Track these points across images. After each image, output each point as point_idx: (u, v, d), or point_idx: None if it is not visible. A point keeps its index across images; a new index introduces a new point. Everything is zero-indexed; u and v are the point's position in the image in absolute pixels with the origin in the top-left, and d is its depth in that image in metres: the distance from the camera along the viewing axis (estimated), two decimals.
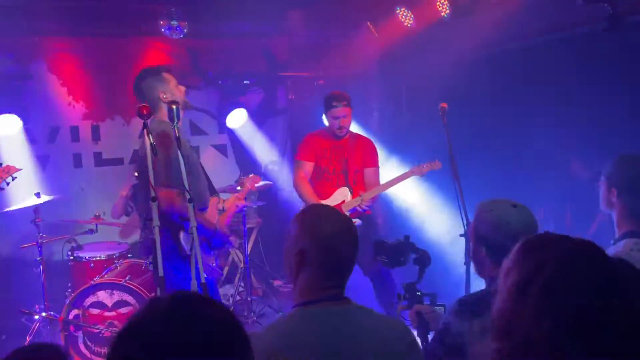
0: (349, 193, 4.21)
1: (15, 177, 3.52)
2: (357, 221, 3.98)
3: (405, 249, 2.20)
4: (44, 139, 5.32)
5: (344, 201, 4.18)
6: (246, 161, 6.04)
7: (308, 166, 4.24)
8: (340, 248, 1.61)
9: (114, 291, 3.78)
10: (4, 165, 3.45)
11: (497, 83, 4.54)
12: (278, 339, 1.52)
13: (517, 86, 4.47)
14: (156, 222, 2.41)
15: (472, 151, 4.37)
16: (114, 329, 3.76)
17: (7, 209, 4.24)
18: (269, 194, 5.78)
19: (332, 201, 4.15)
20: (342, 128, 4.12)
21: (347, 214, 3.97)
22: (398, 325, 1.70)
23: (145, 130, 2.63)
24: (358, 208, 4.11)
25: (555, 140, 4.17)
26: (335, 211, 1.74)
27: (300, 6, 5.60)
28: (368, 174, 4.28)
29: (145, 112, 2.65)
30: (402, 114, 5.79)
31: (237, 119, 5.79)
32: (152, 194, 2.46)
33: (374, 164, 4.32)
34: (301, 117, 6.04)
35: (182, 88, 3.11)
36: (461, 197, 3.30)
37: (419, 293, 2.14)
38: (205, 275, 2.56)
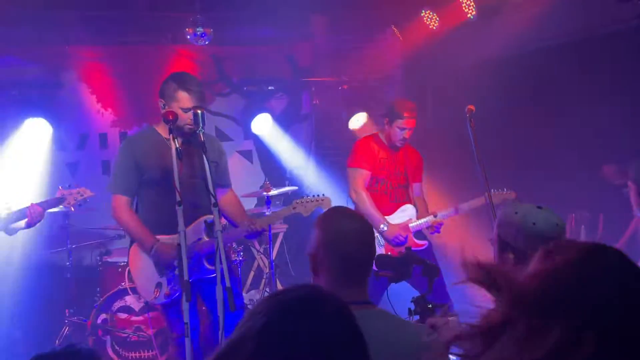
0: (415, 211, 3.88)
1: (87, 201, 3.62)
2: (424, 243, 3.81)
3: (408, 261, 2.17)
4: (73, 145, 5.44)
5: (410, 220, 3.83)
6: (271, 167, 6.06)
7: (366, 175, 3.85)
8: (357, 251, 1.60)
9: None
10: (80, 188, 3.56)
11: (524, 84, 4.46)
12: None
13: (545, 87, 4.39)
14: (182, 227, 2.43)
15: (500, 155, 4.29)
16: (142, 333, 3.80)
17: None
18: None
19: (395, 218, 3.83)
20: (405, 140, 3.82)
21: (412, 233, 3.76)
22: (421, 330, 1.67)
23: (171, 135, 2.65)
24: (427, 229, 3.80)
25: (587, 143, 4.07)
26: (354, 214, 1.73)
27: (323, 11, 5.62)
28: (416, 189, 4.00)
29: (171, 117, 2.69)
30: (427, 117, 5.74)
31: (262, 125, 5.82)
32: (178, 198, 2.49)
33: (421, 178, 4.04)
34: (326, 122, 6.04)
35: (186, 115, 2.88)
36: (491, 202, 3.23)
37: (430, 306, 2.09)
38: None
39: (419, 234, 3.84)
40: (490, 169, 3.54)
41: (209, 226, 2.80)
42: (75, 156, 5.43)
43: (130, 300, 3.83)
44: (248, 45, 5.84)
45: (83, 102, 5.41)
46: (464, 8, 4.45)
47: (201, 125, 2.70)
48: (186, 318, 2.43)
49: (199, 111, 2.70)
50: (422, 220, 3.80)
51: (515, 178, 4.28)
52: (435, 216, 3.78)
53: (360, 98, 5.86)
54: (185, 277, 2.35)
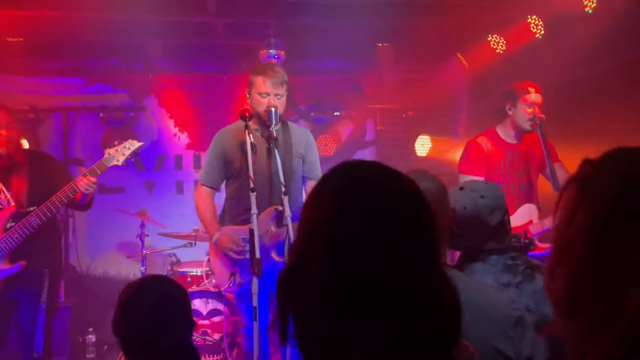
0: (537, 210, 3.43)
1: (139, 153, 3.31)
2: (547, 247, 3.30)
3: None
4: (151, 165, 5.78)
5: (531, 221, 3.39)
6: None
7: None
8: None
9: (209, 300, 3.93)
10: (125, 141, 3.26)
11: (596, 104, 4.37)
12: None
13: (621, 106, 4.27)
14: (254, 210, 2.55)
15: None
16: (208, 337, 3.88)
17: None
18: None
19: (514, 221, 3.42)
20: (535, 118, 3.36)
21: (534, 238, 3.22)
22: (497, 301, 1.64)
23: (247, 130, 2.83)
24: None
25: None
26: (422, 175, 1.76)
27: (389, 41, 5.80)
28: (559, 169, 3.43)
29: (247, 114, 2.86)
30: None
31: (327, 148, 5.96)
32: (251, 185, 2.62)
33: (557, 156, 3.53)
34: (390, 148, 6.11)
35: (263, 100, 2.95)
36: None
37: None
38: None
39: (544, 236, 3.32)
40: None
41: (279, 214, 2.89)
42: (152, 176, 5.77)
43: (198, 304, 3.94)
44: (316, 74, 6.10)
45: (162, 126, 5.79)
46: (532, 29, 4.47)
47: (274, 122, 2.85)
48: (255, 302, 2.50)
49: (273, 109, 2.86)
50: (547, 220, 3.28)
51: None
52: None
53: (425, 124, 5.91)
54: (257, 256, 2.43)
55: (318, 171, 3.21)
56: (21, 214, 3.22)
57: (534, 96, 3.42)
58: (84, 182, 3.10)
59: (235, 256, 2.94)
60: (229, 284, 2.98)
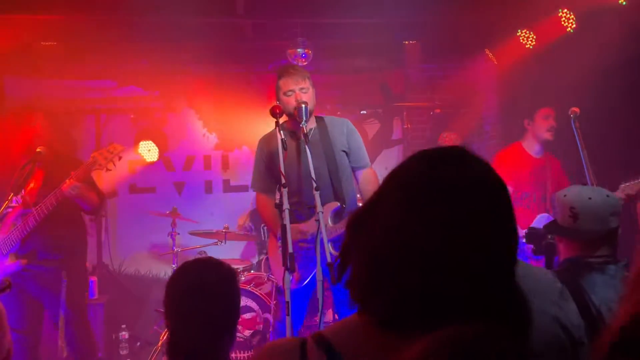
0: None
1: (121, 157, 3.42)
2: None
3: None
4: (180, 166, 5.87)
5: None
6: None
7: None
8: None
9: (241, 297, 3.96)
10: (109, 145, 3.40)
11: (630, 94, 4.26)
12: None
13: None
14: (286, 204, 2.57)
15: (607, 167, 4.09)
16: (239, 334, 3.92)
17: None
18: None
19: None
20: (553, 129, 3.67)
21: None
22: (543, 274, 1.65)
23: (277, 127, 2.86)
24: None
25: None
26: None
27: (416, 38, 5.77)
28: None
29: (277, 111, 2.89)
30: None
31: None
32: (283, 180, 2.64)
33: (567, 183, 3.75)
34: (417, 146, 6.05)
35: (290, 99, 2.98)
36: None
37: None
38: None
39: None
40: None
41: (338, 209, 2.90)
42: (181, 176, 5.85)
43: None
44: (342, 73, 6.10)
45: (190, 127, 5.87)
46: (563, 22, 4.39)
47: (304, 118, 2.86)
48: (287, 297, 2.51)
49: (303, 105, 2.88)
50: None
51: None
52: None
53: (453, 121, 5.86)
54: (290, 250, 2.44)
55: (366, 159, 3.16)
56: (24, 214, 3.36)
57: (549, 109, 3.74)
58: (67, 185, 3.23)
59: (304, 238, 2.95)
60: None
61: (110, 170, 3.34)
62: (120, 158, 3.37)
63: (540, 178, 3.73)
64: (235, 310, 1.79)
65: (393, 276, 0.81)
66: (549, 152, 3.86)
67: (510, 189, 3.25)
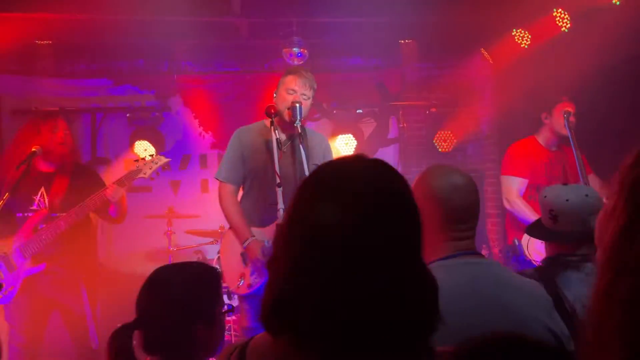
0: None
1: (164, 169, 3.63)
2: None
3: None
4: (176, 165, 5.86)
5: None
6: None
7: (522, 184, 3.60)
8: (456, 198, 1.59)
9: (234, 295, 3.96)
10: (154, 156, 3.58)
11: (624, 92, 4.28)
12: None
13: None
14: (281, 204, 2.57)
15: (600, 168, 4.11)
16: (235, 332, 3.93)
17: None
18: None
19: None
20: (572, 124, 3.57)
21: None
22: (535, 285, 1.64)
23: (272, 127, 2.86)
24: None
25: None
26: (452, 169, 1.75)
27: (412, 37, 5.78)
28: (593, 181, 3.58)
29: (272, 110, 2.90)
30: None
31: (348, 146, 5.94)
32: (277, 180, 2.64)
33: (590, 168, 3.66)
34: (412, 145, 6.08)
35: (289, 97, 2.98)
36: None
37: None
38: None
39: None
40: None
41: None
42: (177, 175, 5.84)
43: (225, 299, 3.98)
44: (338, 71, 6.10)
45: (186, 125, 5.86)
46: (557, 22, 4.41)
47: (299, 117, 2.87)
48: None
49: (297, 104, 2.88)
50: None
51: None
52: None
53: (449, 120, 5.87)
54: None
55: None
56: (51, 218, 3.37)
57: (569, 104, 3.59)
58: (111, 190, 3.30)
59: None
60: (238, 285, 2.98)
61: (153, 179, 3.53)
62: (163, 169, 3.57)
63: (555, 171, 3.66)
64: (204, 295, 1.78)
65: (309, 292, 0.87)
66: (565, 145, 3.74)
67: (521, 180, 3.31)
